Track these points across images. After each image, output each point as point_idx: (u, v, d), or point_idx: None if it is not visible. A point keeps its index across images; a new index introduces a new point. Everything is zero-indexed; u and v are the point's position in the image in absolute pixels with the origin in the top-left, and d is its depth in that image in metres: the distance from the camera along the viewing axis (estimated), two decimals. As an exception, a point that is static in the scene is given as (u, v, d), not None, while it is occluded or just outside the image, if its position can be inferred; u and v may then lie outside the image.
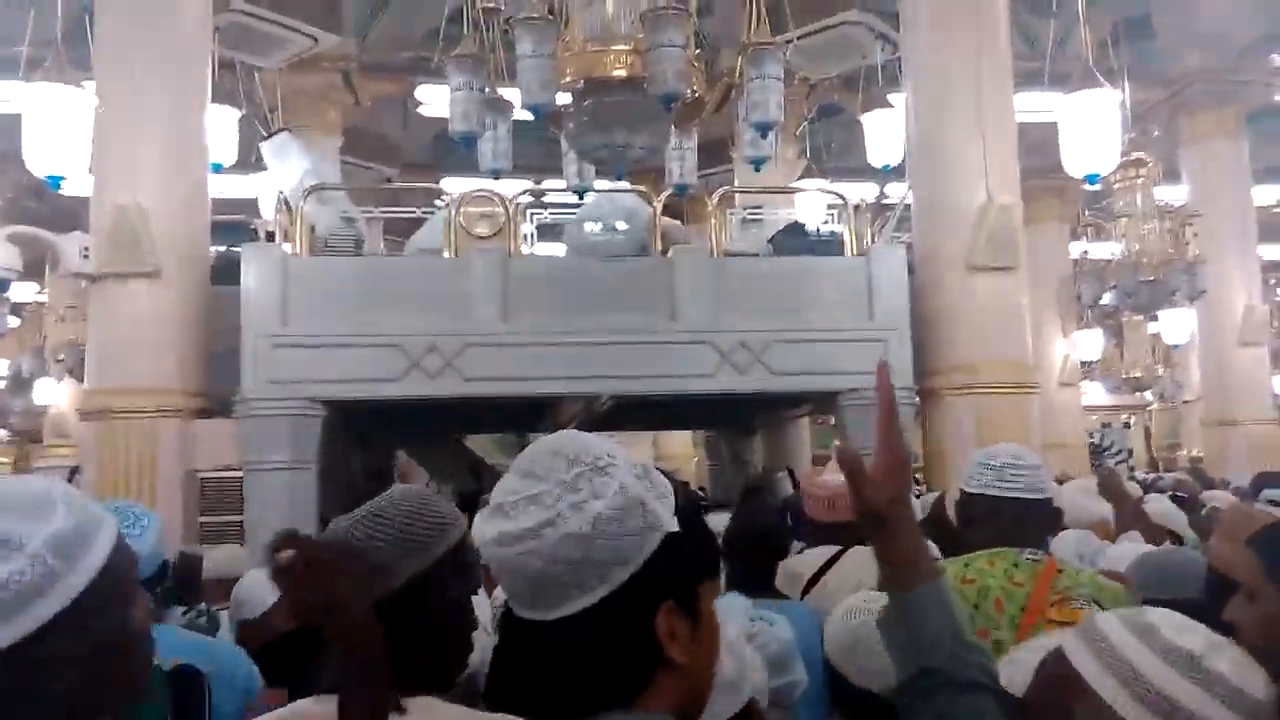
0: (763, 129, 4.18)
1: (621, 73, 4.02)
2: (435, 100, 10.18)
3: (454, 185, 10.71)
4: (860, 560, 3.27)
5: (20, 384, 12.89)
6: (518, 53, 3.99)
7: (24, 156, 4.98)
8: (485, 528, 1.03)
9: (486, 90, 4.56)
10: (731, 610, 1.69)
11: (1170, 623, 1.07)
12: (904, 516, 1.23)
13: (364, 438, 8.06)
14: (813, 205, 8.39)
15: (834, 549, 3.32)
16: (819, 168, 10.75)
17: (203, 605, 3.29)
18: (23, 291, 11.44)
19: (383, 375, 5.70)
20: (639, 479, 1.04)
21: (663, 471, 1.12)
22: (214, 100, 6.56)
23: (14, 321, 12.11)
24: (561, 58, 4.04)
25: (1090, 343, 13.74)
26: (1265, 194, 14.07)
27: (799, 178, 10.35)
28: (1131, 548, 3.40)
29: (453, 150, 8.25)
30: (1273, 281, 15.77)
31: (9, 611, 0.93)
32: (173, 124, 5.98)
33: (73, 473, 10.63)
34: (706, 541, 1.11)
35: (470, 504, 7.26)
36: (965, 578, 2.11)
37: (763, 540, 3.00)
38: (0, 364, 12.76)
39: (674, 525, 1.03)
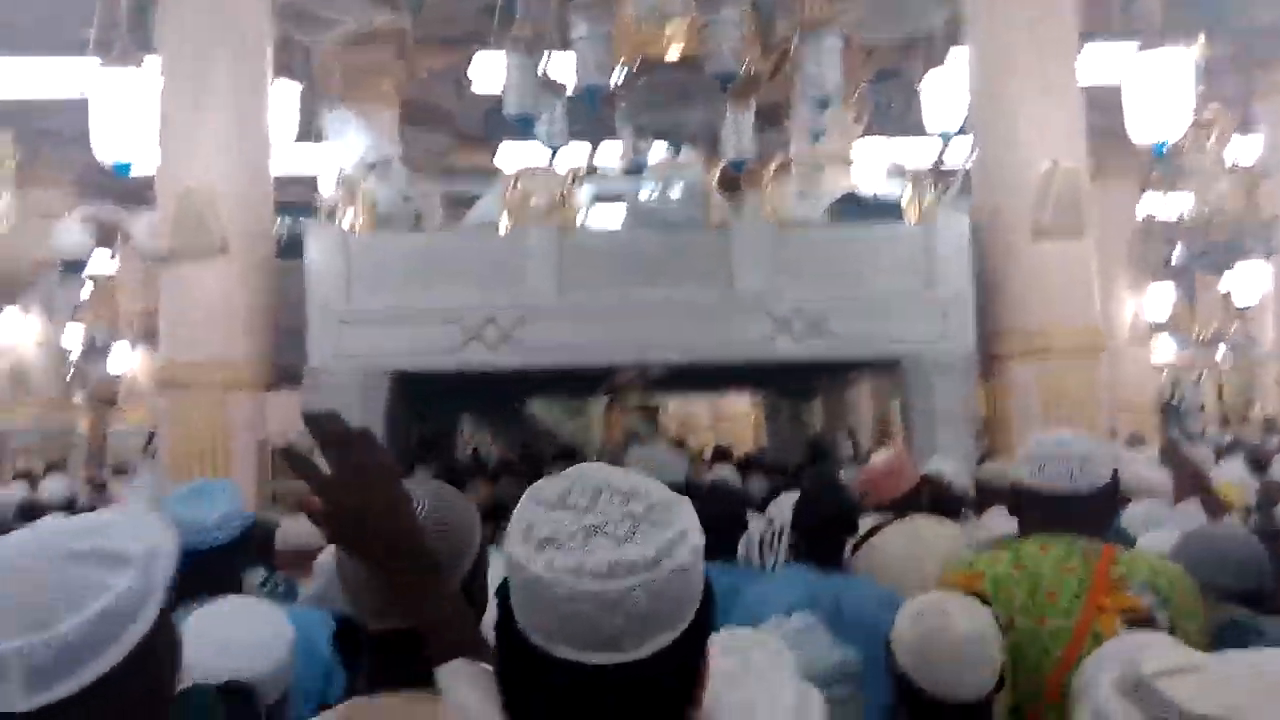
0: (820, 104, 4.14)
1: (676, 51, 4.00)
2: (489, 73, 10.17)
3: (510, 153, 10.77)
4: (918, 527, 3.30)
5: (95, 352, 13.32)
6: (573, 35, 3.99)
7: (91, 144, 5.11)
8: (573, 560, 0.93)
9: (541, 71, 4.56)
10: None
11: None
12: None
13: (421, 407, 8.20)
14: (872, 171, 8.27)
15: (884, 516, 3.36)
16: (877, 131, 10.58)
17: (279, 574, 3.37)
18: (95, 261, 11.76)
19: (443, 347, 5.80)
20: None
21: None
22: (273, 73, 6.64)
23: (87, 290, 12.50)
24: (615, 37, 4.03)
25: (1160, 300, 13.39)
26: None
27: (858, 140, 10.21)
28: (1158, 523, 3.34)
29: (508, 120, 8.26)
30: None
31: (124, 622, 1.00)
32: (235, 102, 6.09)
33: (150, 437, 11.00)
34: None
35: (534, 462, 7.37)
36: (1017, 563, 2.10)
37: (833, 519, 3.00)
38: (75, 332, 13.16)
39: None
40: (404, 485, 1.24)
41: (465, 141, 13.31)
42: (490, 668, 1.05)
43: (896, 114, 12.30)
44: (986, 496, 4.12)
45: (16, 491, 6.98)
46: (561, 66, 4.84)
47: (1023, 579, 2.05)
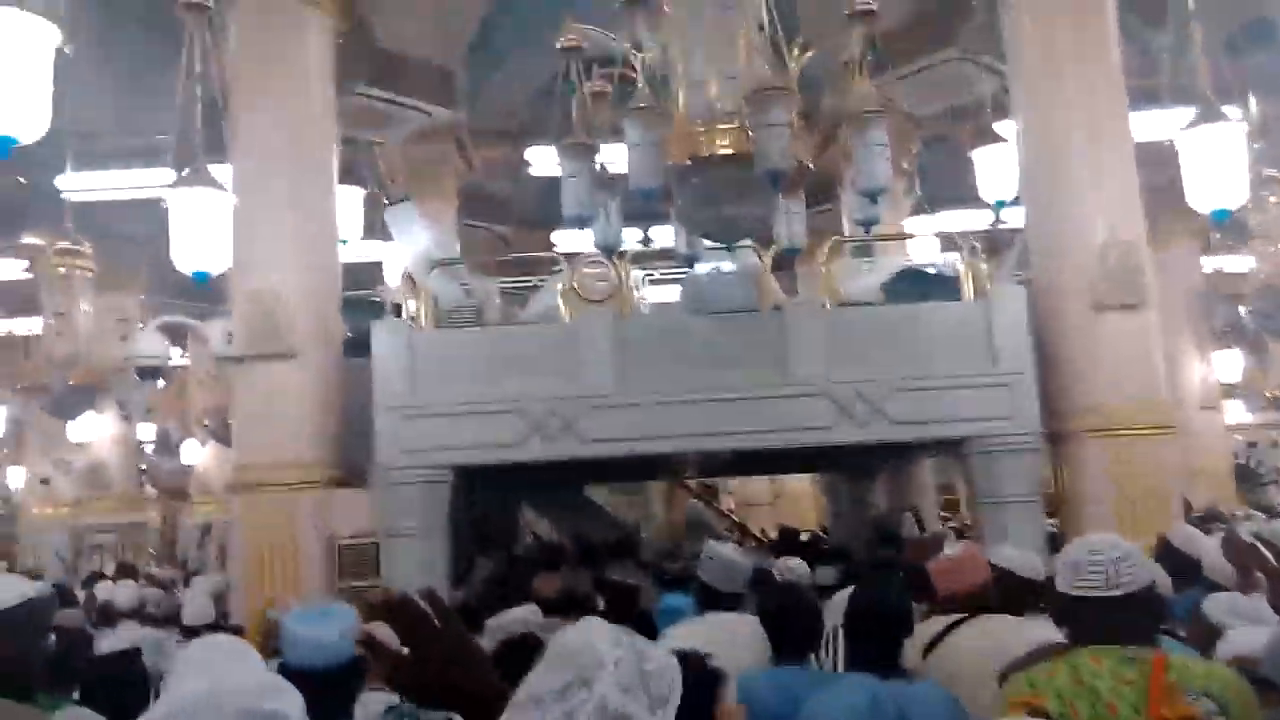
0: (871, 195, 4.19)
1: (727, 150, 4.09)
2: (544, 160, 10.46)
3: (567, 240, 10.97)
4: (991, 628, 3.22)
5: (167, 446, 13.70)
6: (627, 141, 4.11)
7: (172, 257, 5.34)
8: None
9: (597, 169, 4.69)
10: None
11: None
12: None
13: (482, 495, 8.26)
14: (926, 244, 8.27)
15: (955, 616, 3.28)
16: (929, 198, 10.60)
17: (405, 703, 3.34)
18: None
19: (506, 440, 5.87)
20: (624, 692, 1.05)
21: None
22: (338, 173, 6.89)
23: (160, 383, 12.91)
24: (667, 138, 4.14)
25: (1230, 363, 13.08)
26: None
27: (910, 214, 10.23)
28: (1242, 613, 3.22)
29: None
30: None
31: None
32: (303, 208, 6.33)
33: (204, 533, 11.22)
34: None
35: (592, 551, 7.36)
36: (1076, 678, 2.07)
37: (887, 619, 2.95)
38: (148, 429, 13.58)
39: None
40: (475, 645, 1.36)
41: (522, 226, 13.60)
42: None
43: (948, 183, 12.34)
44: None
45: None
46: (616, 156, 4.96)
47: (1083, 694, 2.04)
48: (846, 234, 9.13)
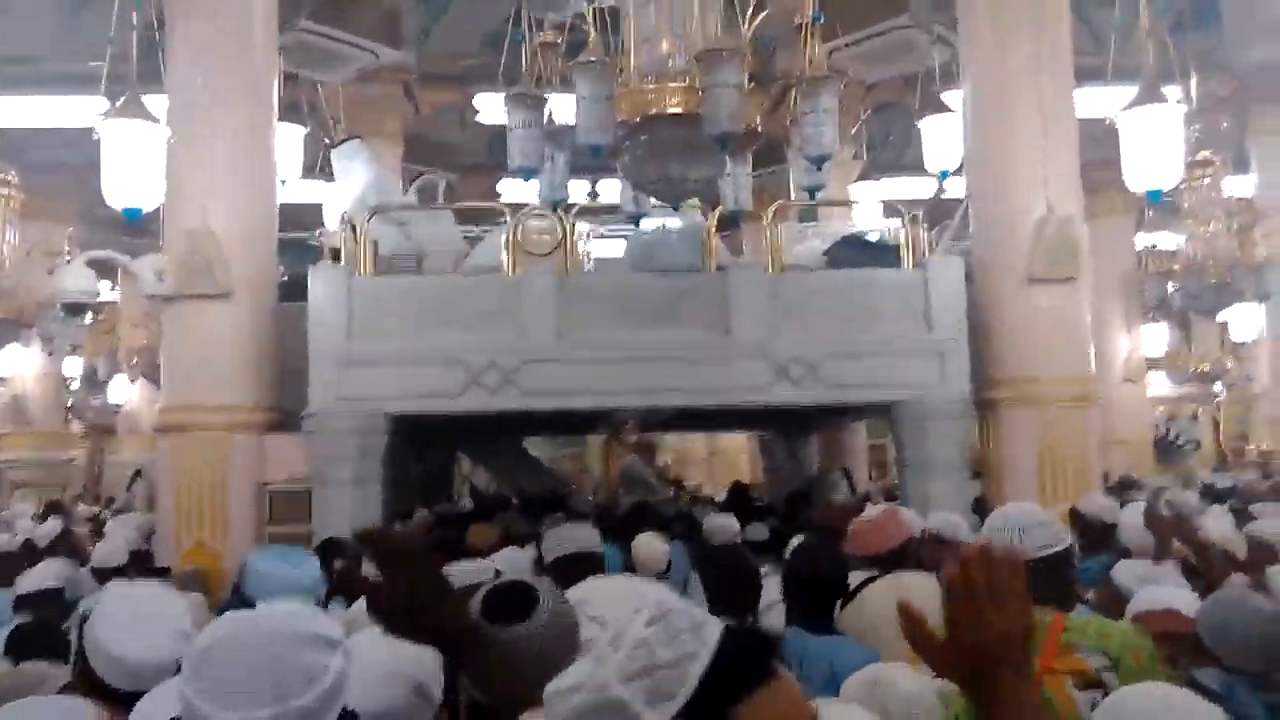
0: (817, 162, 4.20)
1: (677, 109, 4.07)
2: (492, 107, 10.30)
3: (513, 189, 10.85)
4: (904, 581, 3.32)
5: (95, 383, 13.36)
6: (576, 94, 4.06)
7: (102, 190, 5.17)
8: None
9: (545, 121, 4.64)
10: None
11: None
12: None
13: (421, 446, 8.22)
14: (870, 211, 8.34)
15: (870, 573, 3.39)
16: (875, 164, 10.67)
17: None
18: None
19: (444, 391, 5.84)
20: (625, 682, 1.03)
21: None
22: (278, 112, 6.70)
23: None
24: (617, 94, 4.10)
25: (1155, 338, 13.46)
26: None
27: (855, 179, 10.29)
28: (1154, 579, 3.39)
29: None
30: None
31: (338, 695, 1.27)
32: (242, 146, 6.15)
33: (135, 476, 11.02)
34: None
35: (531, 503, 7.39)
36: None
37: (824, 584, 3.06)
38: (74, 364, 13.23)
39: None
40: (448, 582, 1.39)
41: (468, 172, 13.41)
42: None
43: (895, 149, 12.42)
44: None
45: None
46: (565, 108, 4.90)
47: None
48: (793, 198, 9.17)
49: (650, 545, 4.34)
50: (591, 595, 1.44)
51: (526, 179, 4.62)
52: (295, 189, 7.65)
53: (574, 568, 3.21)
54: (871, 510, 3.84)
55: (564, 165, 4.76)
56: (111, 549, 5.21)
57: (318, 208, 8.73)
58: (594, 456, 12.53)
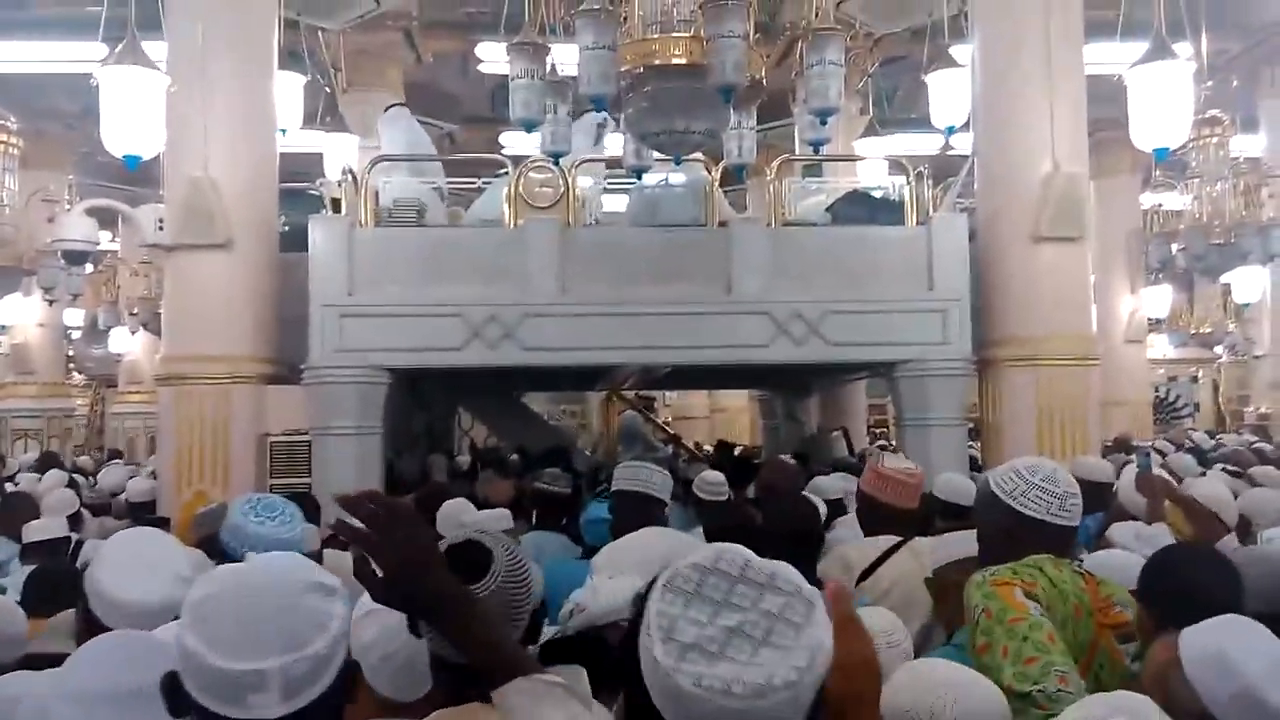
0: (823, 116, 4.15)
1: (681, 60, 4.01)
2: (495, 56, 10.17)
3: (514, 141, 10.76)
4: (921, 550, 3.31)
5: (96, 334, 13.36)
6: (578, 44, 4.00)
7: (102, 137, 5.12)
8: (718, 678, 1.00)
9: (547, 71, 4.57)
10: None
11: None
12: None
13: (423, 398, 8.24)
14: (875, 166, 8.26)
15: (893, 539, 3.36)
16: (881, 119, 10.55)
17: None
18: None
19: (445, 344, 5.82)
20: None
21: None
22: (279, 60, 6.61)
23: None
24: (621, 44, 4.04)
25: (1158, 299, 13.42)
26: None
27: (861, 134, 10.19)
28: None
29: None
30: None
31: (344, 640, 1.27)
32: (241, 94, 6.08)
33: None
34: None
35: (526, 456, 7.42)
36: (1052, 582, 2.18)
37: (799, 540, 3.07)
38: (75, 314, 13.21)
39: None
40: (434, 546, 1.39)
41: (470, 124, 13.29)
42: (555, 679, 1.23)
43: (902, 103, 12.28)
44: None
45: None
46: (567, 57, 4.82)
47: (1056, 596, 2.17)
48: (798, 152, 9.09)
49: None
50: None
51: (529, 130, 4.56)
52: (295, 139, 7.58)
53: (633, 504, 3.42)
54: (904, 462, 3.74)
55: (566, 117, 4.70)
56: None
57: (318, 157, 8.67)
58: (595, 412, 12.56)
